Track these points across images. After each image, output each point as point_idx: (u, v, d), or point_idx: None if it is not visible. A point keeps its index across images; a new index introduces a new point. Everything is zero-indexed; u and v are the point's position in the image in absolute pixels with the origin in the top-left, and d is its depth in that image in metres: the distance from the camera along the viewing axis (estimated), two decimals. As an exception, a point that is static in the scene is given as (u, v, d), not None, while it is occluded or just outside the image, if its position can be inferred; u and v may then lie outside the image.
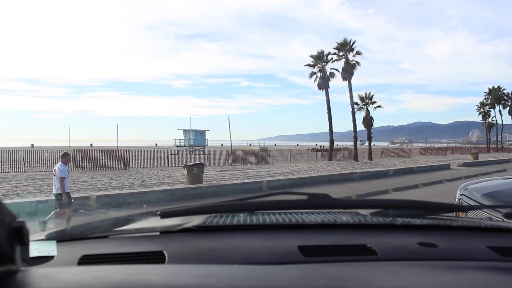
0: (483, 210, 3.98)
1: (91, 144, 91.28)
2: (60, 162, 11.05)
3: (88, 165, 30.50)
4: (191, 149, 63.35)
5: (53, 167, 13.00)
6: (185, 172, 19.78)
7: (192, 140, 66.32)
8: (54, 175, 10.94)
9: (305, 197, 1.59)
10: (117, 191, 17.17)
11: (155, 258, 1.26)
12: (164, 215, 1.57)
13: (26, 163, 29.08)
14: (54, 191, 10.93)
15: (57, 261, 1.24)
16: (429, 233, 1.56)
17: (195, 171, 19.43)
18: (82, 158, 30.60)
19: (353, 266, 1.22)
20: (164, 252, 1.29)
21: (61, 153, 11.64)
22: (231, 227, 1.59)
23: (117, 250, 1.34)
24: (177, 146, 65.50)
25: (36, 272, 0.85)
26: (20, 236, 0.83)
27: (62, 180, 10.69)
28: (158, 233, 1.51)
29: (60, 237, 1.51)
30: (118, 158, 32.21)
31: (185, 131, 68.90)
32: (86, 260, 1.26)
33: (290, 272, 1.04)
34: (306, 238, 1.45)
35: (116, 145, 54.90)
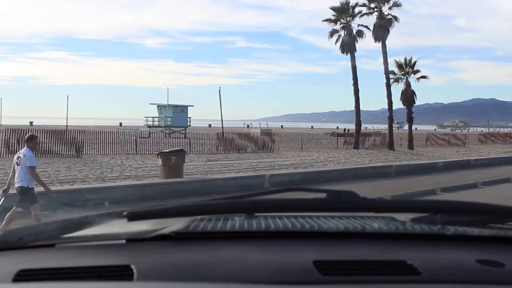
0: None
1: (31, 122, 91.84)
2: (25, 147, 11.31)
3: (26, 150, 30.43)
4: (168, 131, 63.60)
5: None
6: (160, 161, 19.85)
7: (169, 119, 66.60)
8: (18, 164, 11.10)
9: (323, 195, 1.60)
10: (66, 187, 17.26)
11: (119, 274, 1.26)
12: (133, 216, 1.57)
13: None
14: (18, 184, 11.03)
15: None
16: (492, 247, 1.56)
17: (173, 160, 19.49)
18: (18, 141, 30.59)
19: None
20: (132, 266, 1.28)
21: (26, 136, 11.94)
22: (223, 234, 1.59)
23: (67, 264, 1.33)
24: (149, 126, 65.73)
25: None
26: None
27: (33, 170, 10.99)
28: (124, 241, 1.51)
29: None
30: (68, 142, 32.37)
31: (160, 107, 69.12)
32: (24, 276, 1.25)
33: None
34: (325, 250, 1.45)
35: (65, 124, 55.05)
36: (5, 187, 11.34)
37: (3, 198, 10.96)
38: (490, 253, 1.45)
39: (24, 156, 11.06)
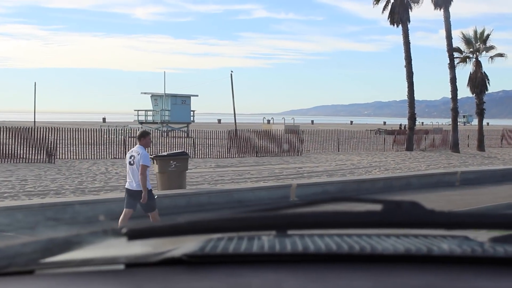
0: None
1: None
2: (138, 145, 13.10)
3: (-15, 154, 30.48)
4: (165, 129, 63.37)
5: None
6: (156, 168, 19.76)
7: (167, 113, 66.35)
8: (131, 164, 12.80)
9: (378, 206, 1.59)
10: (35, 201, 17.16)
11: None
12: (134, 234, 1.56)
13: None
14: (130, 186, 12.82)
15: None
16: None
17: (173, 166, 19.43)
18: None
19: None
20: None
21: (138, 133, 14.08)
22: (249, 257, 1.58)
23: None
24: (141, 122, 65.53)
25: None
26: None
27: (144, 169, 12.58)
28: (122, 267, 1.50)
29: None
30: (36, 143, 32.13)
31: (155, 97, 68.79)
32: None
33: None
34: (380, 279, 1.45)
35: (33, 120, 55.12)
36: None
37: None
38: None
39: (138, 154, 12.70)
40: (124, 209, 12.92)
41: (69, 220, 13.97)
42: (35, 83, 63.30)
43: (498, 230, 1.79)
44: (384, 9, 49.46)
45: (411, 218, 1.59)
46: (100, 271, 1.48)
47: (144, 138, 13.22)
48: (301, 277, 1.42)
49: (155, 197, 13.14)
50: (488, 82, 51.62)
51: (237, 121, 52.55)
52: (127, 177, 13.02)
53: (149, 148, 14.40)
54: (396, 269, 1.53)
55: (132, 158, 12.80)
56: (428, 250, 1.64)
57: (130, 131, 45.70)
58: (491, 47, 51.48)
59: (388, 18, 49.42)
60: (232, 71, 54.33)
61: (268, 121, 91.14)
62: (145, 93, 70.68)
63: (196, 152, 36.10)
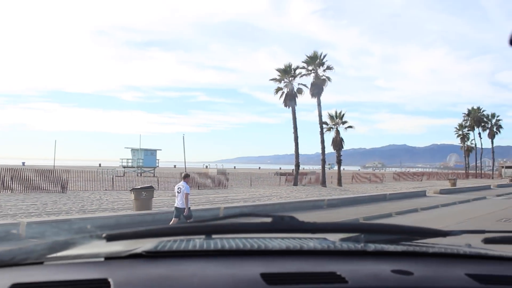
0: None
1: (23, 163, 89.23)
2: (182, 181, 14.87)
3: (18, 186, 29.70)
4: (139, 171, 62.68)
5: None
6: (132, 196, 19.51)
7: (141, 161, 65.61)
8: (179, 192, 14.60)
9: (269, 219, 1.60)
10: (52, 217, 16.78)
11: (99, 286, 1.25)
12: (110, 238, 1.56)
13: None
14: (178, 205, 14.60)
15: None
16: (404, 260, 1.60)
17: (144, 195, 19.20)
18: (12, 179, 29.78)
19: None
20: (109, 279, 1.28)
21: (183, 174, 15.95)
22: (186, 252, 1.59)
23: (54, 278, 1.31)
24: (124, 167, 64.58)
25: None
26: None
27: (187, 196, 14.46)
28: (102, 259, 1.49)
29: None
30: (54, 179, 31.48)
31: (133, 150, 68.13)
32: None
33: None
34: (270, 265, 1.46)
35: (53, 164, 53.77)
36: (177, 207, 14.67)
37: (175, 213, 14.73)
38: (402, 264, 1.49)
39: (183, 186, 14.52)
40: (173, 218, 14.57)
41: (76, 230, 13.61)
42: (55, 140, 61.91)
43: (344, 233, 1.89)
44: (280, 97, 50.19)
45: (289, 226, 1.62)
46: (88, 262, 1.48)
47: (187, 177, 15.32)
48: (219, 265, 1.45)
49: (191, 210, 14.81)
50: (344, 143, 52.86)
51: (186, 167, 52.11)
52: (176, 200, 14.70)
53: (189, 183, 15.89)
54: (280, 258, 1.58)
55: (179, 188, 14.57)
56: (300, 246, 1.72)
57: (116, 172, 44.92)
58: (345, 122, 52.85)
59: (283, 103, 50.18)
60: (184, 134, 53.97)
61: (206, 167, 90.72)
62: (127, 147, 69.86)
63: (159, 186, 35.58)
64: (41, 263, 1.48)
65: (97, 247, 1.62)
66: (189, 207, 14.69)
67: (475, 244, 1.96)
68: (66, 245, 1.67)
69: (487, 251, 1.84)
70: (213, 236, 1.81)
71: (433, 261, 1.64)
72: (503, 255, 1.78)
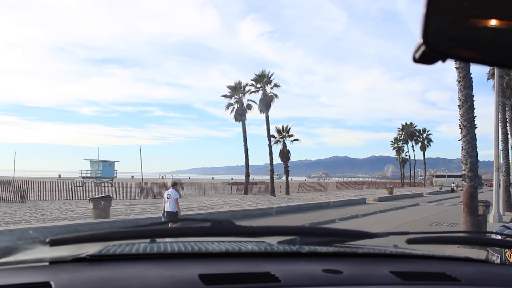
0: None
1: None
2: (171, 188, 15.41)
3: (-23, 197, 28.43)
4: (98, 181, 61.24)
5: None
6: (91, 205, 19.05)
7: (99, 172, 64.17)
8: (168, 198, 14.95)
9: (208, 224, 1.59)
10: (11, 227, 16.17)
11: None
12: (54, 242, 1.50)
13: None
14: (168, 209, 14.84)
15: None
16: (334, 260, 1.63)
17: (102, 204, 18.79)
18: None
19: None
20: (51, 283, 1.25)
21: (171, 182, 16.84)
22: (129, 256, 1.56)
23: None
24: (83, 177, 63.00)
25: None
26: None
27: (176, 201, 14.95)
28: (47, 264, 1.44)
29: None
30: (14, 190, 30.28)
31: (92, 162, 66.60)
32: None
33: None
34: (208, 266, 1.45)
35: (12, 176, 51.91)
36: (163, 211, 15.05)
37: (163, 218, 14.75)
38: (333, 264, 1.51)
39: (172, 193, 15.01)
40: (168, 222, 14.71)
41: (33, 238, 13.13)
42: (15, 152, 60.21)
43: (280, 236, 1.85)
44: (231, 112, 50.10)
45: (227, 230, 1.61)
46: (32, 267, 1.44)
47: (175, 185, 16.08)
48: (160, 267, 1.43)
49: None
50: (290, 155, 52.93)
51: (143, 177, 51.35)
52: (166, 205, 14.92)
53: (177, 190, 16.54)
54: (219, 260, 1.57)
55: (169, 195, 14.98)
56: (239, 248, 1.72)
57: (75, 183, 43.79)
58: (292, 135, 53.03)
59: (234, 118, 50.13)
60: (140, 147, 53.52)
61: (162, 177, 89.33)
62: (86, 159, 68.28)
63: (117, 195, 34.86)
64: None
65: (42, 252, 1.57)
66: (177, 211, 15.10)
67: (401, 245, 2.00)
68: (8, 250, 1.61)
69: (411, 251, 1.89)
70: (157, 240, 1.79)
71: (361, 261, 1.67)
72: (424, 254, 1.84)
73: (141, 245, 1.69)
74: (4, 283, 1.26)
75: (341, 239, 1.98)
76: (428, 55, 1.01)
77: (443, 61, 1.04)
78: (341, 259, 1.67)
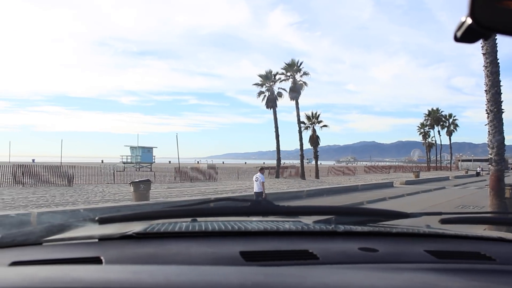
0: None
1: (33, 160, 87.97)
2: (259, 173, 16.71)
3: (29, 181, 29.30)
4: (138, 166, 62.21)
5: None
6: (132, 189, 19.37)
7: (139, 157, 65.11)
8: (256, 181, 16.62)
9: (248, 203, 1.60)
10: (60, 208, 16.61)
11: (91, 263, 1.24)
12: (103, 220, 1.54)
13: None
14: (256, 190, 16.39)
15: None
16: (370, 239, 1.61)
17: (142, 188, 19.09)
18: (23, 174, 29.46)
19: (294, 268, 1.26)
20: (101, 257, 1.27)
21: (259, 167, 17.91)
22: (172, 234, 1.57)
23: (50, 257, 1.30)
24: (124, 163, 64.11)
25: None
26: None
27: (263, 184, 16.47)
28: (96, 240, 1.47)
29: None
30: (61, 174, 31.09)
31: (132, 148, 67.66)
32: (16, 266, 1.22)
33: (227, 270, 1.07)
34: (248, 244, 1.45)
35: (60, 161, 53.24)
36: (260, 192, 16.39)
37: (254, 197, 16.18)
38: (368, 243, 1.50)
39: (260, 177, 16.52)
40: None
41: (83, 217, 13.51)
42: (61, 140, 61.54)
43: (316, 215, 1.87)
44: (262, 100, 50.15)
45: (266, 209, 1.63)
46: (83, 243, 1.46)
47: (262, 170, 17.15)
48: (202, 245, 1.43)
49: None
50: (320, 140, 52.95)
51: (180, 162, 51.91)
52: (255, 186, 16.60)
53: (264, 174, 17.42)
54: (258, 239, 1.56)
55: (257, 178, 16.57)
56: (277, 228, 1.71)
57: (117, 168, 44.61)
58: (321, 121, 52.88)
59: (265, 105, 50.14)
60: (177, 134, 53.79)
61: (198, 162, 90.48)
62: (126, 146, 69.38)
63: (155, 179, 35.37)
64: (40, 244, 1.46)
65: (92, 229, 1.60)
66: (262, 192, 16.40)
67: (434, 225, 1.98)
68: (62, 228, 1.64)
69: (444, 231, 1.87)
70: (198, 219, 1.80)
71: (396, 240, 1.65)
72: (457, 233, 1.81)
73: (183, 224, 1.70)
74: (59, 257, 1.29)
75: (375, 219, 1.97)
76: (470, 33, 0.97)
77: (486, 38, 0.99)
78: (376, 238, 1.65)
